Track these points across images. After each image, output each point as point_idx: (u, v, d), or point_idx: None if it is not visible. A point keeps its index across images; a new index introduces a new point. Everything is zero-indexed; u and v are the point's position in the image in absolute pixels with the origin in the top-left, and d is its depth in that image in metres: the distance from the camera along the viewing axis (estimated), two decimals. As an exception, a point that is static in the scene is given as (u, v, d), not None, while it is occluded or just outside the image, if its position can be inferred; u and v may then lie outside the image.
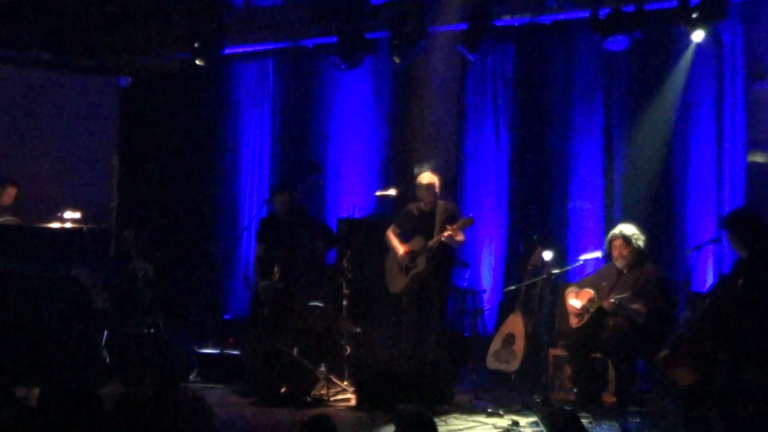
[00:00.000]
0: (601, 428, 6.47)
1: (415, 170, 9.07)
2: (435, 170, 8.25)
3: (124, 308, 9.05)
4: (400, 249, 7.90)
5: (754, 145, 8.10)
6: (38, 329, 7.83)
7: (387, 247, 8.10)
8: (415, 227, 7.92)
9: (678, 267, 8.14)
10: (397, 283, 7.95)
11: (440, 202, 7.95)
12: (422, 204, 7.96)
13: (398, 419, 4.30)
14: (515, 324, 7.89)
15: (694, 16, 7.41)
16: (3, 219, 8.97)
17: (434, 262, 7.75)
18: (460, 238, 7.77)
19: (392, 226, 8.10)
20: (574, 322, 7.23)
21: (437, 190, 7.94)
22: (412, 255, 7.84)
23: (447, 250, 7.83)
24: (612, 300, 6.94)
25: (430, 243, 7.71)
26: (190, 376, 8.21)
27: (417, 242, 7.84)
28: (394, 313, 8.21)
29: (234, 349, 8.74)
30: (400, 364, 7.32)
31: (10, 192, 9.60)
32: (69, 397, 4.11)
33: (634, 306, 6.85)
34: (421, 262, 7.77)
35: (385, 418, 6.45)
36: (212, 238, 10.87)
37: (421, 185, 7.94)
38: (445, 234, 7.63)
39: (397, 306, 8.07)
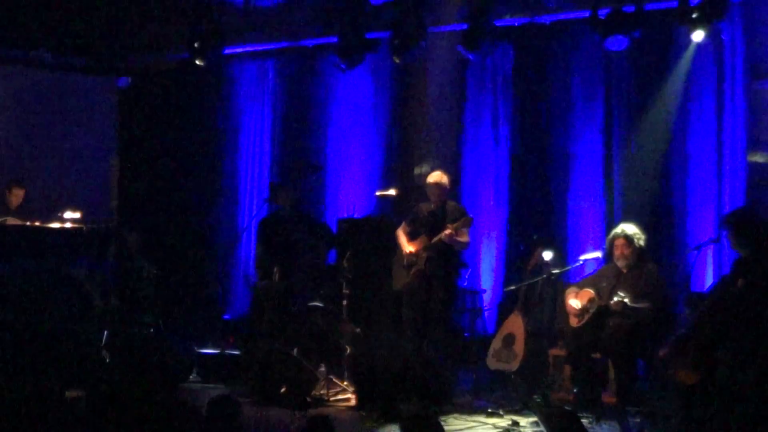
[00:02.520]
0: (601, 428, 6.48)
1: (415, 170, 9.07)
2: (441, 169, 8.18)
3: (125, 308, 9.06)
4: (406, 247, 7.89)
5: (754, 145, 8.11)
6: (38, 329, 7.82)
7: (397, 245, 8.10)
8: (423, 226, 7.89)
9: (678, 267, 8.14)
10: (400, 279, 7.96)
11: (450, 203, 7.92)
12: (431, 203, 7.94)
13: (403, 424, 4.25)
14: (515, 324, 7.89)
15: (694, 16, 7.43)
16: (3, 219, 8.96)
17: (434, 260, 7.73)
18: (463, 239, 7.72)
19: (403, 224, 8.08)
20: (574, 322, 7.22)
21: (445, 188, 7.88)
22: (416, 253, 7.83)
23: (449, 250, 7.79)
24: (617, 299, 6.91)
25: (431, 242, 7.69)
26: (190, 376, 8.21)
27: (422, 241, 7.84)
28: (394, 313, 8.21)
29: (234, 349, 8.73)
30: (400, 364, 7.31)
31: (18, 194, 9.56)
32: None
33: (641, 305, 6.84)
34: (422, 260, 7.77)
35: (384, 418, 6.45)
36: (212, 238, 10.86)
37: (429, 183, 7.90)
38: (445, 233, 7.58)
39: (398, 305, 8.06)
